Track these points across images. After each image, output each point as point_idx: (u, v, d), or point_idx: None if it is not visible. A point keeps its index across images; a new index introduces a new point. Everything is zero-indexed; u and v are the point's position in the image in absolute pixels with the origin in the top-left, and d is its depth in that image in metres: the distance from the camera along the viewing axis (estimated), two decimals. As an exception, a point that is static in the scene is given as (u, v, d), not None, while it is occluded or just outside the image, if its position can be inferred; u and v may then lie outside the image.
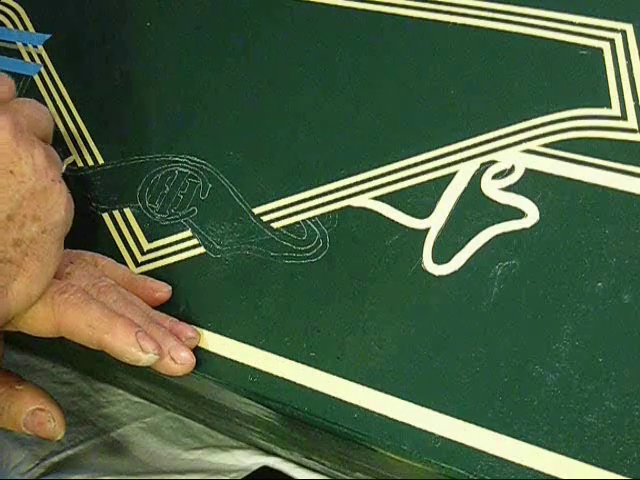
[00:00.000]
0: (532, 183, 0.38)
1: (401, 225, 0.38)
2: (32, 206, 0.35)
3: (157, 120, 0.45)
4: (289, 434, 0.41)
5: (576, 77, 0.39)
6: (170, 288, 0.40)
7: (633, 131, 0.37)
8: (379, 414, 0.35)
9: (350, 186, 0.40)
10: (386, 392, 0.35)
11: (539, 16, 0.41)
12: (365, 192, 0.40)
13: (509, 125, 0.39)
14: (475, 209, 0.38)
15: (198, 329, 0.39)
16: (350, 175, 0.40)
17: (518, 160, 0.38)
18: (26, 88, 0.48)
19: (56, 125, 0.46)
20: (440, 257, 0.37)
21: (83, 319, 0.36)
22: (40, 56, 0.49)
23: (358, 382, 0.36)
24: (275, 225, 0.40)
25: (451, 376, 0.35)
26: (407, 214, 0.39)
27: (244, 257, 0.40)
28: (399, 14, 0.43)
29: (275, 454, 0.47)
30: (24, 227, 0.35)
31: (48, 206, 0.36)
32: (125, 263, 0.41)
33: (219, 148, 0.43)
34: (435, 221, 0.38)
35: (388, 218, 0.39)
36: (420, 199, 0.39)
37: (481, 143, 0.39)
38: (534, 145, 0.38)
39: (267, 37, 0.45)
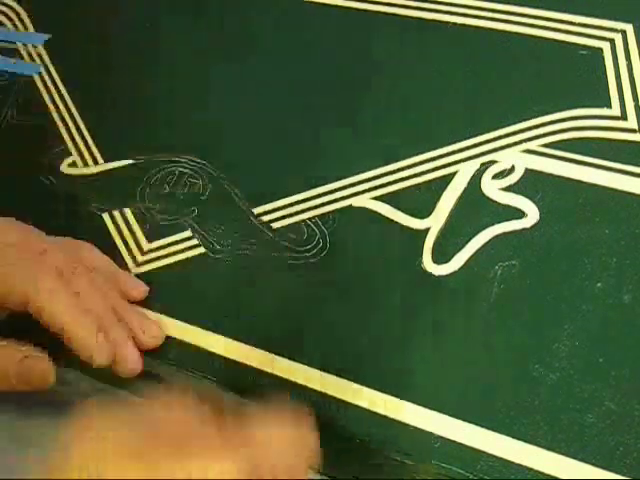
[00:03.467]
0: (532, 183, 0.38)
1: (401, 225, 0.38)
2: None
3: (157, 120, 0.45)
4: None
5: (576, 77, 0.39)
6: (146, 289, 0.40)
7: (633, 131, 0.37)
8: (380, 414, 0.35)
9: (350, 186, 0.40)
10: (386, 392, 0.35)
11: (539, 16, 0.41)
12: (365, 192, 0.40)
13: (509, 125, 0.39)
14: (475, 209, 0.38)
15: (194, 328, 0.39)
16: (350, 175, 0.40)
17: (518, 160, 0.38)
18: (26, 88, 0.48)
19: (56, 125, 0.46)
20: (440, 257, 0.37)
21: (53, 306, 0.36)
22: (40, 56, 0.49)
23: (358, 382, 0.36)
24: (275, 225, 0.40)
25: (451, 376, 0.35)
26: (407, 214, 0.39)
27: (244, 257, 0.40)
28: (399, 14, 0.43)
29: (275, 454, 0.47)
30: None
31: None
32: (125, 263, 0.41)
33: (219, 148, 0.43)
34: (435, 221, 0.38)
35: (388, 218, 0.39)
36: (420, 199, 0.39)
37: (481, 143, 0.39)
38: (534, 145, 0.38)
39: (267, 37, 0.45)
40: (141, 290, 0.40)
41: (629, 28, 0.39)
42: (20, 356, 0.38)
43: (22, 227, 0.40)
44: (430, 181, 0.39)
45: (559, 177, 0.37)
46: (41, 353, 0.38)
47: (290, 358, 0.37)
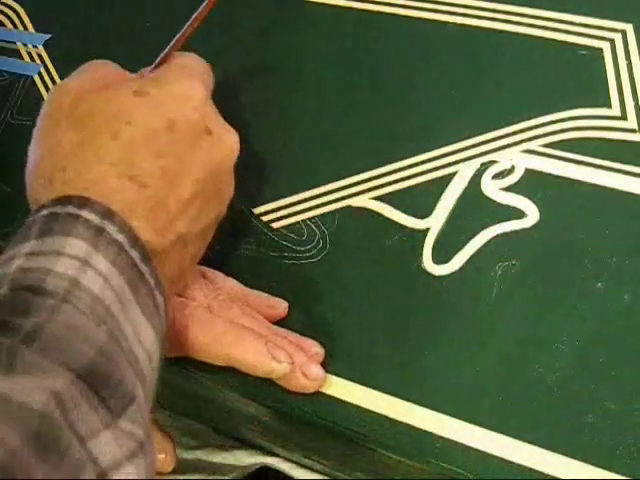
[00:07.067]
0: (532, 183, 0.38)
1: (401, 225, 0.38)
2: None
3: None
4: (289, 434, 0.41)
5: (576, 77, 0.39)
6: (287, 305, 0.38)
7: (633, 131, 0.37)
8: (379, 414, 0.35)
9: (350, 186, 0.40)
10: (386, 392, 0.35)
11: (539, 16, 0.41)
12: (365, 192, 0.40)
13: (509, 125, 0.39)
14: (475, 209, 0.38)
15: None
16: (350, 175, 0.40)
17: (518, 160, 0.38)
18: (26, 88, 0.48)
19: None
20: (440, 257, 0.37)
21: (209, 335, 0.35)
22: (40, 56, 0.49)
23: (358, 382, 0.36)
24: (275, 225, 0.40)
25: (451, 376, 0.35)
26: (407, 214, 0.39)
27: (244, 257, 0.40)
28: (399, 14, 0.43)
29: (275, 454, 0.47)
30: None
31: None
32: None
33: (219, 148, 0.43)
34: (435, 221, 0.38)
35: (388, 218, 0.39)
36: (420, 199, 0.39)
37: (481, 143, 0.39)
38: (534, 145, 0.38)
39: (267, 37, 0.45)
40: (282, 307, 0.38)
41: (629, 28, 0.39)
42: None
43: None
44: (430, 181, 0.39)
45: (559, 177, 0.37)
46: (167, 436, 0.37)
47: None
